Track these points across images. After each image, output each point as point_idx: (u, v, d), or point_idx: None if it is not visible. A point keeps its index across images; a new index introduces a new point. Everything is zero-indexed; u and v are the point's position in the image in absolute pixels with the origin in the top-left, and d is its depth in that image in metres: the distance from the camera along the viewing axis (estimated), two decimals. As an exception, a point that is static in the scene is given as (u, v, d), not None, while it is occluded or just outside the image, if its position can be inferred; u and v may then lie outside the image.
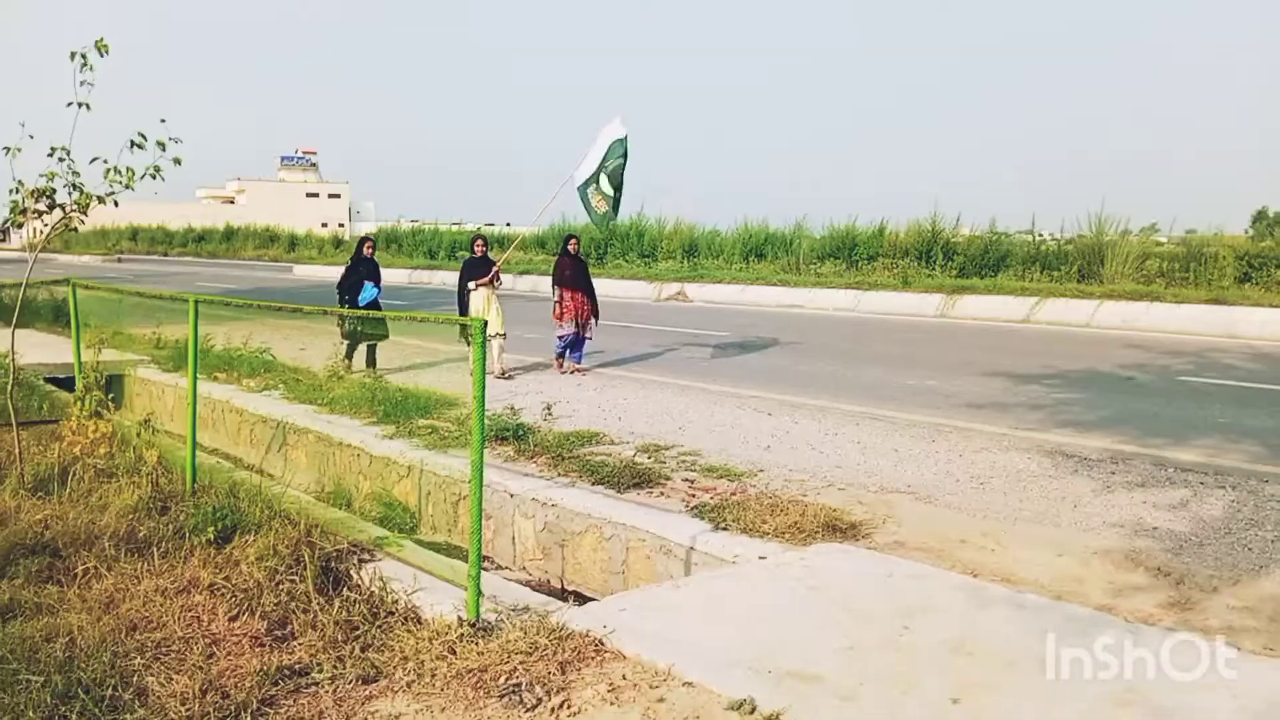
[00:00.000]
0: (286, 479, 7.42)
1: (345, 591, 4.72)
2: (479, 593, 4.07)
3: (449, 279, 32.82)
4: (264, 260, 51.77)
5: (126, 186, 6.50)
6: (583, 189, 11.07)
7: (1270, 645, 4.09)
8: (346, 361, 11.48)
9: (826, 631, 4.08)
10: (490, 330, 10.69)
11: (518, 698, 3.43)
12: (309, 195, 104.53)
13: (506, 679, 3.56)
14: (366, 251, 12.05)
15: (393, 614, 4.48)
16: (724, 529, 5.72)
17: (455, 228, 47.14)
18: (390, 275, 36.27)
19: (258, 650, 4.20)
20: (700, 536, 5.64)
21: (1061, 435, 8.15)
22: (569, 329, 11.60)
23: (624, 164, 10.96)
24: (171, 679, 3.87)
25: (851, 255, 24.27)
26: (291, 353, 12.68)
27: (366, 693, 3.73)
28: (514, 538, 6.82)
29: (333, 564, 5.16)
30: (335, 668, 3.96)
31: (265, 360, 11.66)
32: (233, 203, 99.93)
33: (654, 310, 21.25)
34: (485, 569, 6.39)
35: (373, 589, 4.71)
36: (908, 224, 24.14)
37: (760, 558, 5.20)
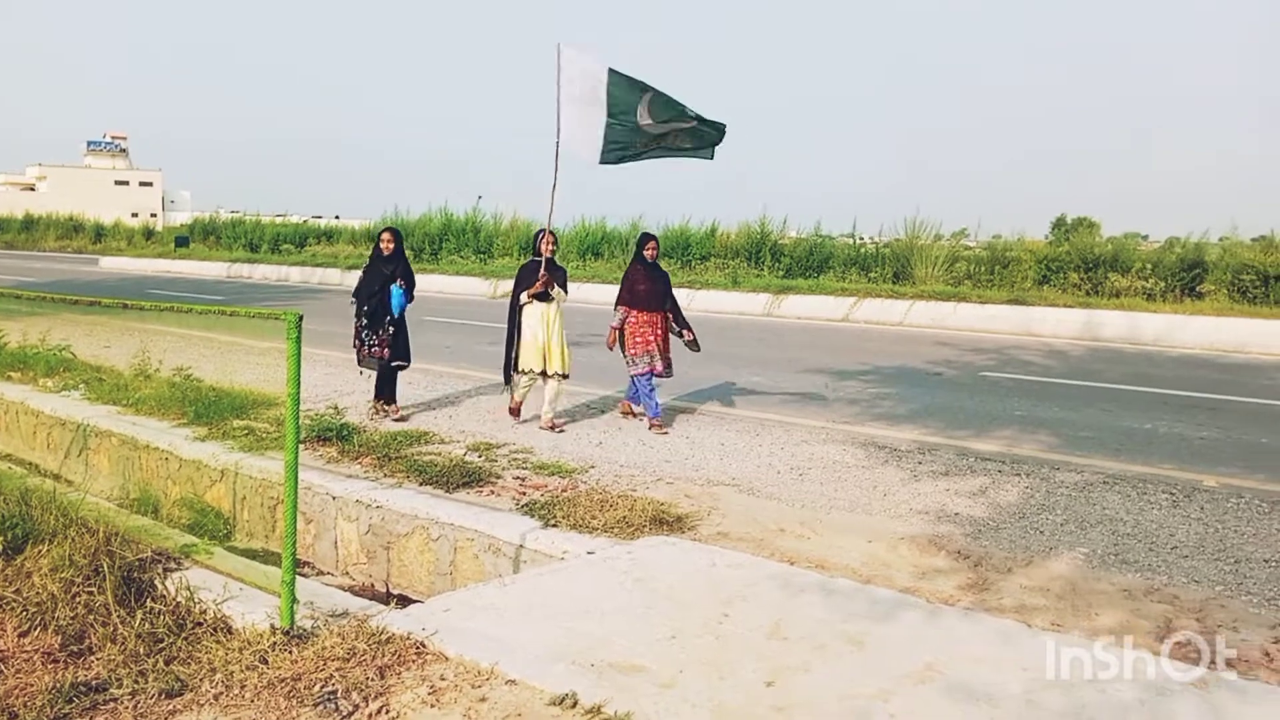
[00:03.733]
0: (86, 485, 6.94)
1: (149, 602, 4.45)
2: (293, 599, 3.92)
3: (270, 273, 31.62)
4: (68, 252, 48.29)
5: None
6: (640, 144, 8.09)
7: (1058, 621, 4.43)
8: (378, 404, 8.75)
9: (650, 622, 4.15)
10: (552, 367, 8.21)
11: (333, 705, 3.33)
12: (118, 183, 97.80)
13: (321, 687, 3.45)
14: (385, 247, 8.80)
15: (201, 624, 4.26)
16: (554, 526, 5.73)
17: (279, 219, 45.24)
18: (208, 269, 34.72)
19: (51, 667, 3.91)
20: (530, 534, 5.63)
21: (875, 428, 8.58)
22: (642, 365, 8.46)
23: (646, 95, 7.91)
24: (-52, 704, 3.56)
25: (685, 255, 24.79)
26: (94, 350, 11.87)
27: (170, 707, 3.53)
28: (336, 541, 6.61)
29: (135, 574, 4.85)
30: (136, 683, 3.73)
31: (64, 358, 10.83)
32: (33, 190, 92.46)
33: (489, 308, 21.02)
34: (305, 575, 6.19)
35: (179, 599, 4.46)
36: (738, 225, 24.91)
37: (588, 553, 5.23)
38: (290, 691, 3.43)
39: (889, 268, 21.49)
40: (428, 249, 29.68)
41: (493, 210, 30.47)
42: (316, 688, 3.44)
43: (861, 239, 24.51)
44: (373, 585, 6.40)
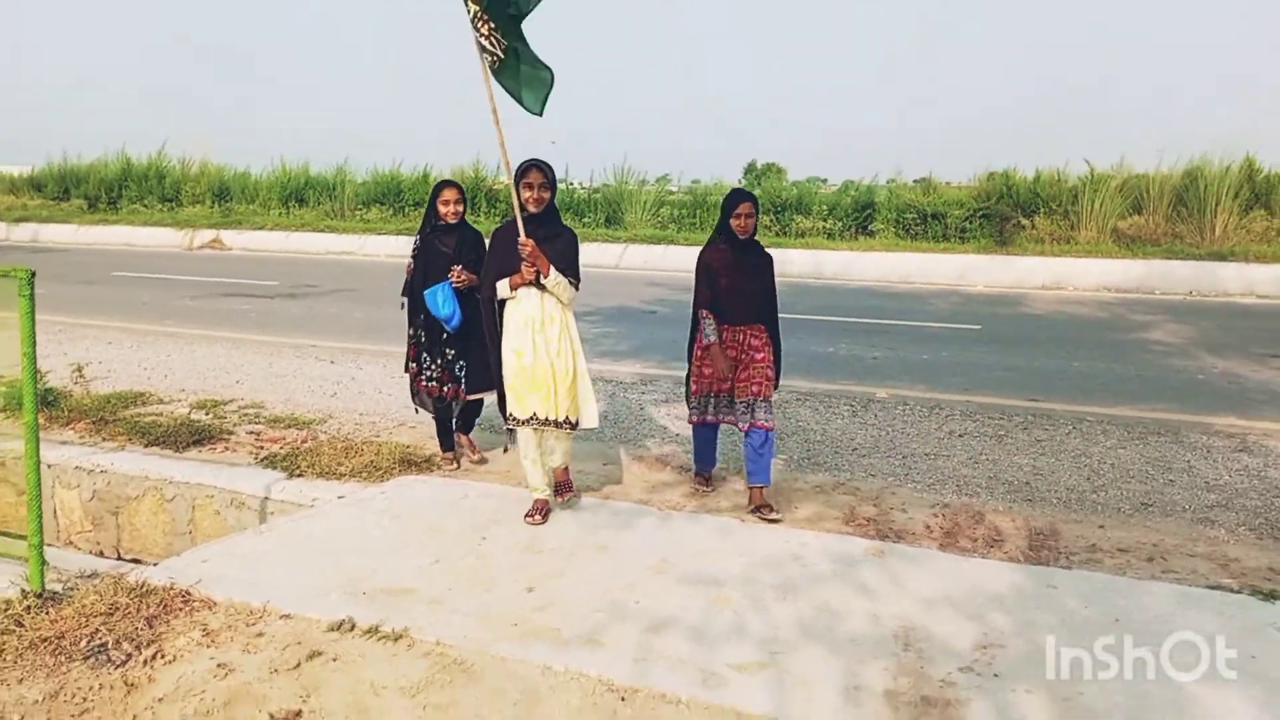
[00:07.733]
0: None
1: None
2: (43, 561, 3.82)
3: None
4: None
5: None
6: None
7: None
8: (449, 455, 5.98)
9: (413, 551, 4.42)
10: (557, 411, 4.90)
11: (105, 656, 3.36)
12: None
13: (89, 641, 3.45)
14: (449, 212, 5.66)
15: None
16: (299, 475, 5.79)
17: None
18: None
19: None
20: (275, 485, 5.66)
21: (601, 364, 9.16)
22: (695, 411, 5.28)
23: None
24: None
25: (399, 201, 24.28)
26: None
27: (-86, 684, 3.39)
28: (56, 511, 6.26)
29: None
30: None
31: None
32: None
33: (188, 260, 19.71)
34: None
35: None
36: (451, 170, 24.69)
37: (339, 497, 5.37)
38: (55, 649, 3.40)
39: (601, 213, 22.27)
40: (104, 197, 26.99)
41: (180, 154, 28.04)
42: (84, 643, 3.44)
43: (574, 184, 25.15)
44: (102, 553, 6.15)
